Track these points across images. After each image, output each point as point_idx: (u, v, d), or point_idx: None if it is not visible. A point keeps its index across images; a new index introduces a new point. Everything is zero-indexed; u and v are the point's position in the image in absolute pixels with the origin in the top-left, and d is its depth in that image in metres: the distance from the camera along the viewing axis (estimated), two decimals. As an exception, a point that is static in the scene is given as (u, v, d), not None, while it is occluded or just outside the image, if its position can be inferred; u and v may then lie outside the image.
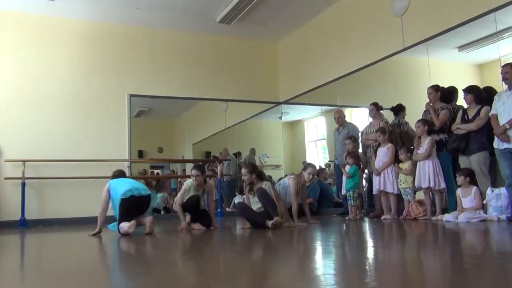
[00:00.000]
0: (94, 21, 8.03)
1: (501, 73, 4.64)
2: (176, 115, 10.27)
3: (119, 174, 5.42)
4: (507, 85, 4.64)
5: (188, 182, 5.41)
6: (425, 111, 5.73)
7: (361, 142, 6.69)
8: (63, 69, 7.77)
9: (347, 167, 6.17)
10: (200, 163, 6.04)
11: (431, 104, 5.60)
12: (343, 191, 6.34)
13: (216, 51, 9.03)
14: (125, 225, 4.59)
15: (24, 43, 7.58)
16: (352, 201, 6.05)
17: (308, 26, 8.69)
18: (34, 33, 7.65)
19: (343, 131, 6.93)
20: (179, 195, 5.35)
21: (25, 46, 7.58)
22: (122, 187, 4.90)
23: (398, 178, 5.72)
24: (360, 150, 6.70)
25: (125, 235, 4.56)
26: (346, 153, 6.32)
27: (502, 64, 4.75)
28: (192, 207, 5.23)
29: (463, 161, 5.10)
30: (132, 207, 4.82)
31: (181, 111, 10.18)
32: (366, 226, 5.04)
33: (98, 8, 7.64)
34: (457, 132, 5.10)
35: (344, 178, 6.25)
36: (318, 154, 9.63)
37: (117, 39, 8.22)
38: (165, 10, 7.85)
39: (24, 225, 6.86)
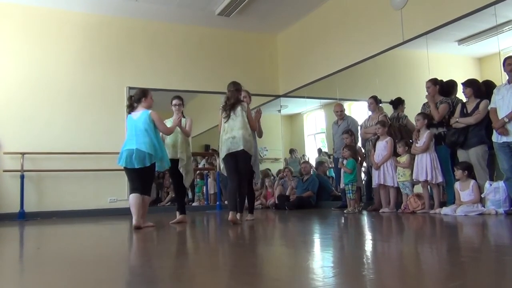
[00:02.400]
0: (94, 13, 8.00)
1: (503, 65, 4.61)
2: (175, 108, 10.23)
3: (130, 105, 4.82)
4: (507, 78, 4.62)
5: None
6: (424, 104, 5.73)
7: (360, 135, 6.69)
8: (62, 62, 7.74)
9: (344, 161, 6.19)
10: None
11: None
12: (342, 185, 6.35)
13: (215, 44, 9.00)
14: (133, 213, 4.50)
15: (24, 36, 7.55)
16: (350, 194, 6.06)
17: (307, 19, 8.65)
18: (33, 26, 7.62)
19: (342, 124, 6.92)
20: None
21: (24, 39, 7.55)
22: (125, 144, 4.67)
23: (396, 172, 5.73)
24: (359, 144, 6.71)
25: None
26: (343, 146, 6.34)
27: (506, 57, 4.70)
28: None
29: (461, 155, 5.10)
30: (128, 176, 4.72)
31: (180, 104, 10.13)
32: (365, 219, 5.05)
33: (98, 1, 7.60)
34: (456, 125, 5.09)
35: (342, 171, 6.26)
36: (317, 148, 9.63)
37: (116, 32, 8.19)
38: (164, 2, 7.81)
39: (23, 217, 6.87)
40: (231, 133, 4.77)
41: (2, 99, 7.27)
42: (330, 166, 8.54)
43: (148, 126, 4.61)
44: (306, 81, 8.63)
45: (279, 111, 9.72)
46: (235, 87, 4.97)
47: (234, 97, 4.90)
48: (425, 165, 5.27)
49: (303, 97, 9.03)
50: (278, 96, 9.52)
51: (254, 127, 5.00)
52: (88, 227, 5.52)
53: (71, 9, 7.81)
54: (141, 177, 4.60)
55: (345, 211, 6.09)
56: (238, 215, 4.67)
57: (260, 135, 5.33)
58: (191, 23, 8.69)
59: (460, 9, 5.60)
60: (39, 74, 7.55)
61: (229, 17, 8.31)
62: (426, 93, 5.62)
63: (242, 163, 4.76)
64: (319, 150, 9.38)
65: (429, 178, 5.25)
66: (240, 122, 4.78)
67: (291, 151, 9.61)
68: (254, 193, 5.46)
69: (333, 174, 8.16)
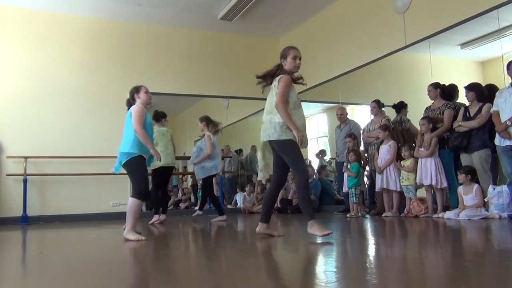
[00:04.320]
0: (97, 17, 8.02)
1: (507, 69, 4.58)
2: (178, 112, 10.27)
3: (128, 106, 4.72)
4: (510, 81, 4.60)
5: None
6: (426, 108, 5.73)
7: (362, 139, 6.69)
8: (65, 66, 7.76)
9: (349, 165, 6.17)
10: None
11: (432, 102, 5.61)
12: (345, 189, 6.34)
13: (218, 48, 9.01)
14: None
15: (27, 40, 7.57)
16: (354, 198, 6.05)
17: (309, 23, 8.67)
18: (37, 30, 7.64)
19: (344, 128, 6.92)
20: None
21: (28, 43, 7.57)
22: None
23: (400, 176, 5.71)
24: (361, 148, 6.70)
25: None
26: (347, 150, 6.33)
27: (510, 60, 4.65)
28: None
29: (464, 159, 5.09)
30: None
31: (182, 108, 10.17)
32: (368, 224, 5.04)
33: (100, 5, 7.63)
34: (458, 129, 5.08)
35: (345, 175, 6.25)
36: (319, 150, 9.61)
37: (119, 36, 8.21)
38: (166, 6, 7.84)
39: (25, 221, 6.88)
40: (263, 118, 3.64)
41: (5, 103, 7.29)
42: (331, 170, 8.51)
43: (130, 123, 4.37)
44: (308, 85, 8.59)
45: (282, 114, 9.67)
46: (281, 53, 3.92)
47: (274, 68, 3.87)
48: (430, 169, 5.25)
49: (306, 101, 8.99)
50: (280, 100, 9.49)
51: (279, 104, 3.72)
52: (91, 231, 5.52)
53: (74, 13, 7.84)
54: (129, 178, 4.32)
55: (348, 215, 6.08)
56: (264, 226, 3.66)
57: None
58: (194, 27, 8.71)
59: (463, 13, 5.60)
60: (42, 78, 7.58)
61: (232, 21, 8.33)
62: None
63: (282, 155, 3.63)
64: (323, 152, 9.06)
65: (434, 183, 5.22)
66: (269, 104, 3.75)
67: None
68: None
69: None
